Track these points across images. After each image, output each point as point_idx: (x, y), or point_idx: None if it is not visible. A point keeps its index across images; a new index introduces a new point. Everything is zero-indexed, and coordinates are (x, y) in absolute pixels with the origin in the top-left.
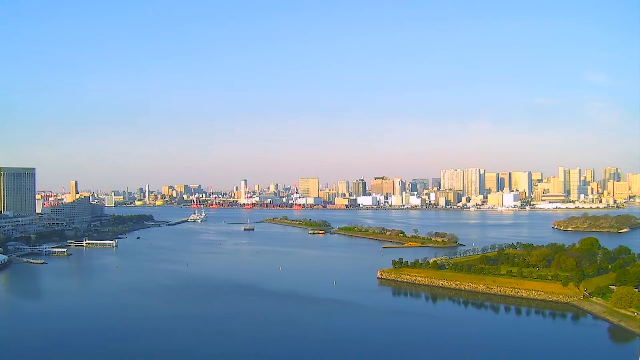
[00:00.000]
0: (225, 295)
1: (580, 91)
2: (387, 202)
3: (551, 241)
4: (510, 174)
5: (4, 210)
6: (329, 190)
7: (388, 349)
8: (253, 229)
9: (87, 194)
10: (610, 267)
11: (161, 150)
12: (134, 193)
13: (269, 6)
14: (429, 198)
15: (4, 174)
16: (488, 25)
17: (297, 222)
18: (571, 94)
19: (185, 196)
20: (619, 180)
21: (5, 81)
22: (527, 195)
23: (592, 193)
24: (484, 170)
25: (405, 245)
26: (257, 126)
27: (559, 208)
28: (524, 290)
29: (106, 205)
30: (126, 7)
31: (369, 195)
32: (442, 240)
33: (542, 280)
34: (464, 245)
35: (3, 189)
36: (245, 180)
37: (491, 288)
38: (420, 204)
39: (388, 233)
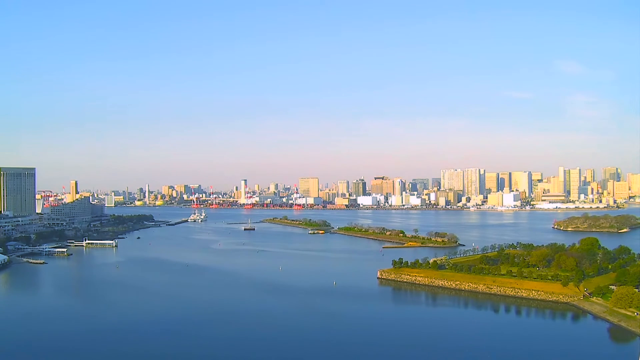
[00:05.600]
0: (225, 296)
1: (559, 85)
2: (387, 202)
3: (551, 241)
4: (510, 174)
5: (4, 210)
6: (329, 190)
7: (388, 349)
8: (253, 229)
9: (87, 194)
10: (610, 267)
11: (161, 150)
12: (134, 193)
13: (271, 2)
14: (429, 198)
15: (4, 174)
16: (464, 21)
17: (297, 222)
18: (550, 87)
19: (185, 196)
20: (619, 180)
21: (6, 81)
22: (527, 195)
23: (592, 193)
24: (484, 170)
25: (405, 245)
26: (257, 126)
27: (559, 208)
28: (524, 290)
29: (106, 205)
30: (124, 6)
31: (369, 195)
32: (442, 240)
33: (542, 280)
34: (464, 245)
35: (3, 189)
36: (245, 180)
37: (491, 288)
38: (420, 204)
39: (388, 233)
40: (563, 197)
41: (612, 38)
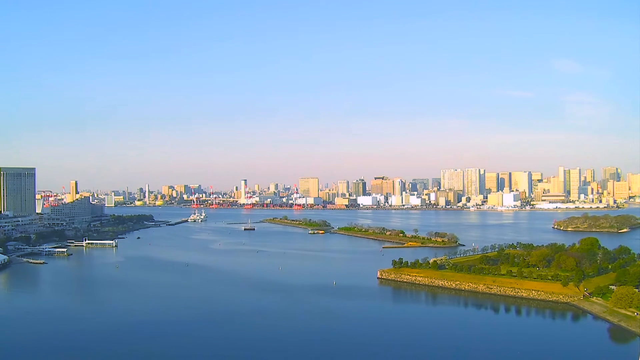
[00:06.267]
0: (225, 296)
1: (558, 84)
2: (387, 202)
3: (551, 241)
4: (510, 174)
5: (4, 210)
6: (329, 190)
7: (388, 349)
8: (254, 229)
9: (87, 194)
10: (610, 267)
11: (161, 150)
12: (134, 193)
13: (270, 2)
14: (429, 198)
15: (4, 174)
16: (462, 21)
17: (297, 222)
18: (549, 86)
19: (185, 196)
20: (619, 180)
21: (6, 81)
22: (527, 195)
23: (592, 193)
24: (484, 170)
25: (405, 245)
26: (257, 126)
27: (559, 208)
28: (524, 290)
29: (106, 205)
30: (124, 7)
31: (369, 195)
32: (442, 240)
33: (542, 280)
34: (464, 245)
35: (3, 189)
36: (245, 180)
37: (491, 288)
38: (420, 204)
39: (388, 233)
40: (563, 197)
41: (608, 36)
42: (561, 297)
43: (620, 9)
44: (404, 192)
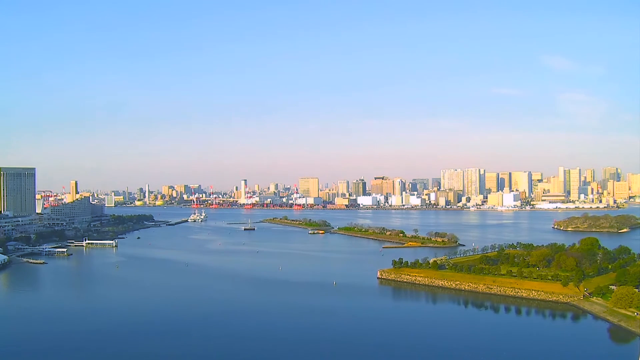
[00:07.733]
0: (225, 296)
1: (556, 83)
2: (387, 202)
3: (551, 241)
4: (510, 174)
5: (4, 210)
6: (329, 190)
7: (388, 349)
8: (254, 229)
9: (87, 194)
10: (610, 267)
11: (161, 150)
12: (134, 193)
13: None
14: (429, 198)
15: (4, 174)
16: (458, 21)
17: (297, 222)
18: (547, 85)
19: (185, 196)
20: (619, 180)
21: (6, 81)
22: (527, 195)
23: (592, 193)
24: (484, 170)
25: (405, 245)
26: (256, 126)
27: (559, 208)
28: (524, 290)
29: (106, 205)
30: (126, 6)
31: (369, 195)
32: (442, 240)
33: (542, 280)
34: (464, 245)
35: (3, 189)
36: (245, 180)
37: (491, 288)
38: (420, 204)
39: (388, 233)
40: (563, 197)
41: (600, 33)
42: (561, 297)
43: (612, 5)
44: (404, 192)
